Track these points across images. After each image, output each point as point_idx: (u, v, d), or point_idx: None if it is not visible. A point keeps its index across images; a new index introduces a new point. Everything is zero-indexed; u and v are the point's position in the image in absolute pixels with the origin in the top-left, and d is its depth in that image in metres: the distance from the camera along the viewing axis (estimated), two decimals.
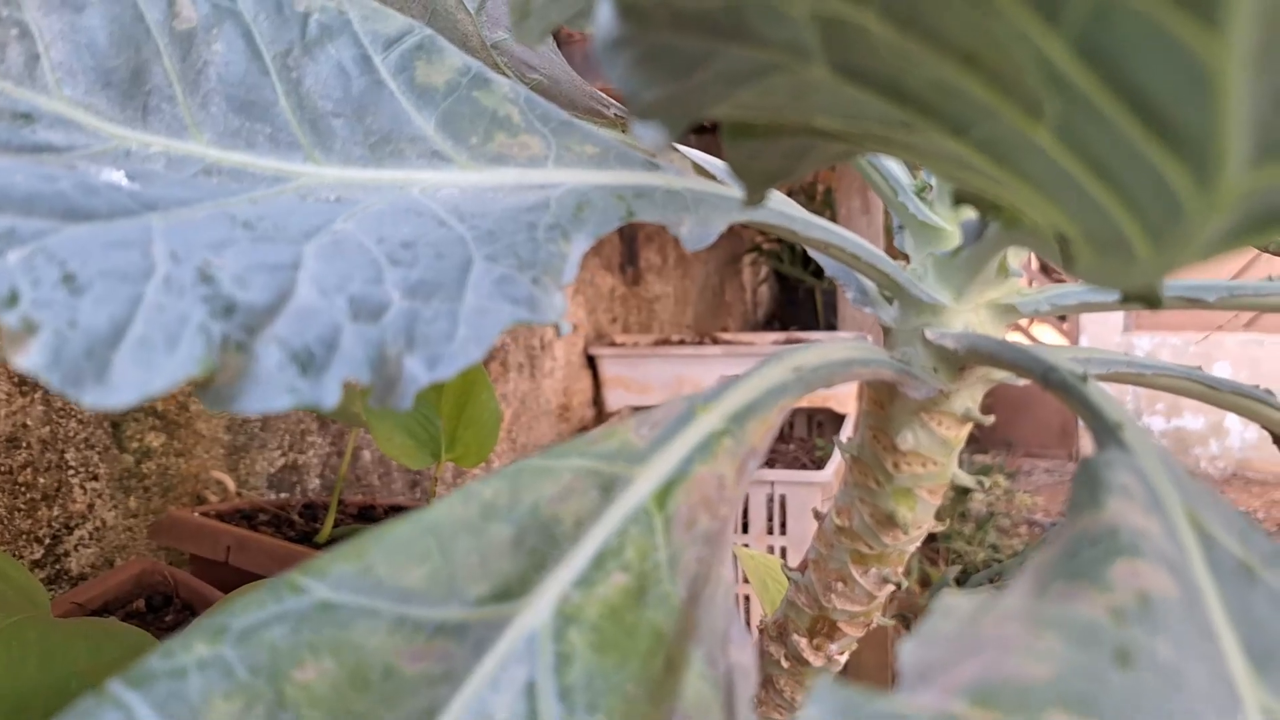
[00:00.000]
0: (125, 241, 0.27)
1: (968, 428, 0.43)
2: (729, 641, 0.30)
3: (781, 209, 0.38)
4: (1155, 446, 0.29)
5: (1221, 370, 4.40)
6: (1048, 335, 5.09)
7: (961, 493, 3.06)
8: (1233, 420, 4.52)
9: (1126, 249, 0.20)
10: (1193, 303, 0.40)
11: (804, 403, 2.35)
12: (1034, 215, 0.24)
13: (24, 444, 1.00)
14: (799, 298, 4.06)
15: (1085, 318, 4.92)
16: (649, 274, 2.75)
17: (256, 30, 0.33)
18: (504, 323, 0.29)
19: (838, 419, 2.28)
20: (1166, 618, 0.22)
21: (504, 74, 0.45)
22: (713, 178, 0.42)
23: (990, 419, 0.42)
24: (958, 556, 3.05)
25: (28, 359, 0.22)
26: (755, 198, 0.26)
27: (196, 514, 1.11)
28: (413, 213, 0.32)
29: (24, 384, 1.01)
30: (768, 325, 4.30)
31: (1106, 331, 4.83)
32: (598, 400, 2.31)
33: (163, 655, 0.24)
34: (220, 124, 0.33)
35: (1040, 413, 4.97)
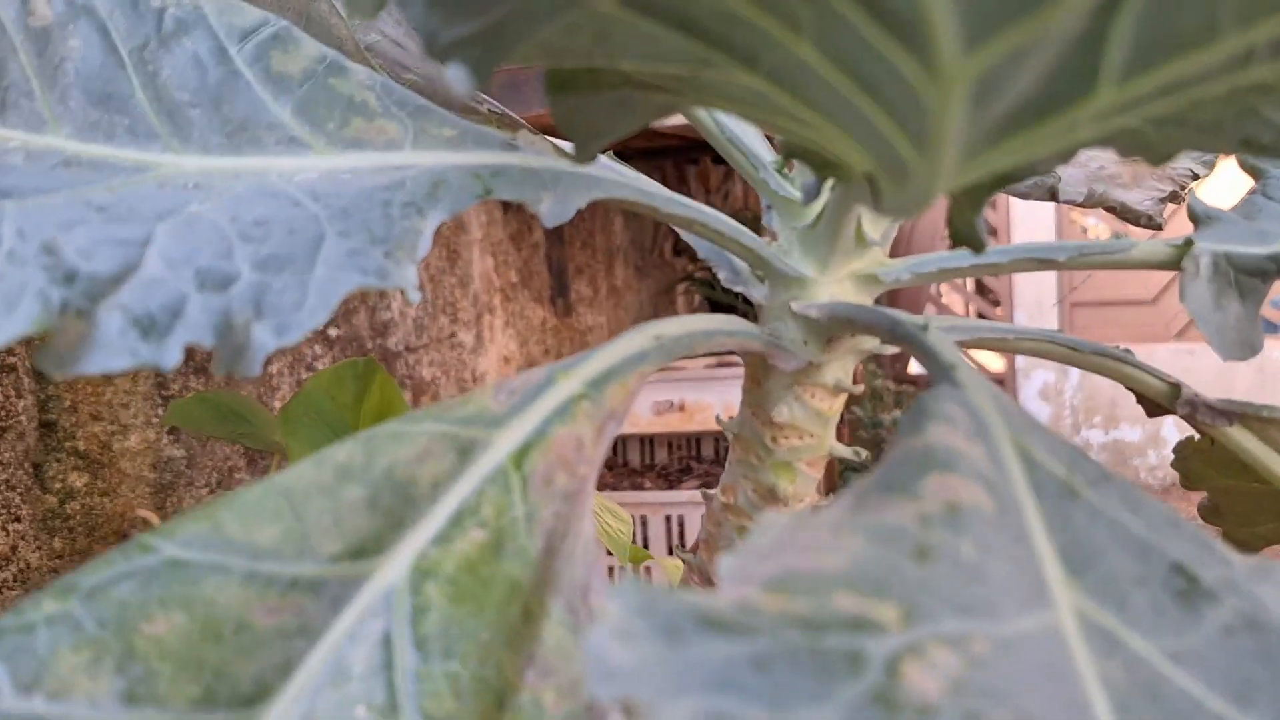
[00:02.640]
0: None
1: (842, 399, 0.44)
2: (589, 591, 0.31)
3: (643, 186, 0.39)
4: (987, 384, 0.31)
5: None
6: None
7: None
8: (1170, 430, 4.60)
9: (901, 163, 0.21)
10: (1044, 264, 0.42)
11: None
12: (838, 151, 0.25)
13: None
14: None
15: (1019, 317, 5.00)
16: (580, 305, 2.76)
17: (112, 26, 0.34)
18: (350, 287, 0.29)
19: None
20: (975, 524, 0.24)
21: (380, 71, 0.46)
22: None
23: (859, 388, 0.44)
24: None
25: None
26: (585, 155, 0.28)
27: None
28: (269, 195, 0.33)
29: None
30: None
31: (1040, 323, 4.93)
32: None
33: (13, 613, 0.24)
34: (79, 117, 0.34)
35: None
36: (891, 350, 0.43)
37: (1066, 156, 0.22)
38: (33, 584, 1.08)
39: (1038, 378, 4.84)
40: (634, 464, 2.58)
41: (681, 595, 0.19)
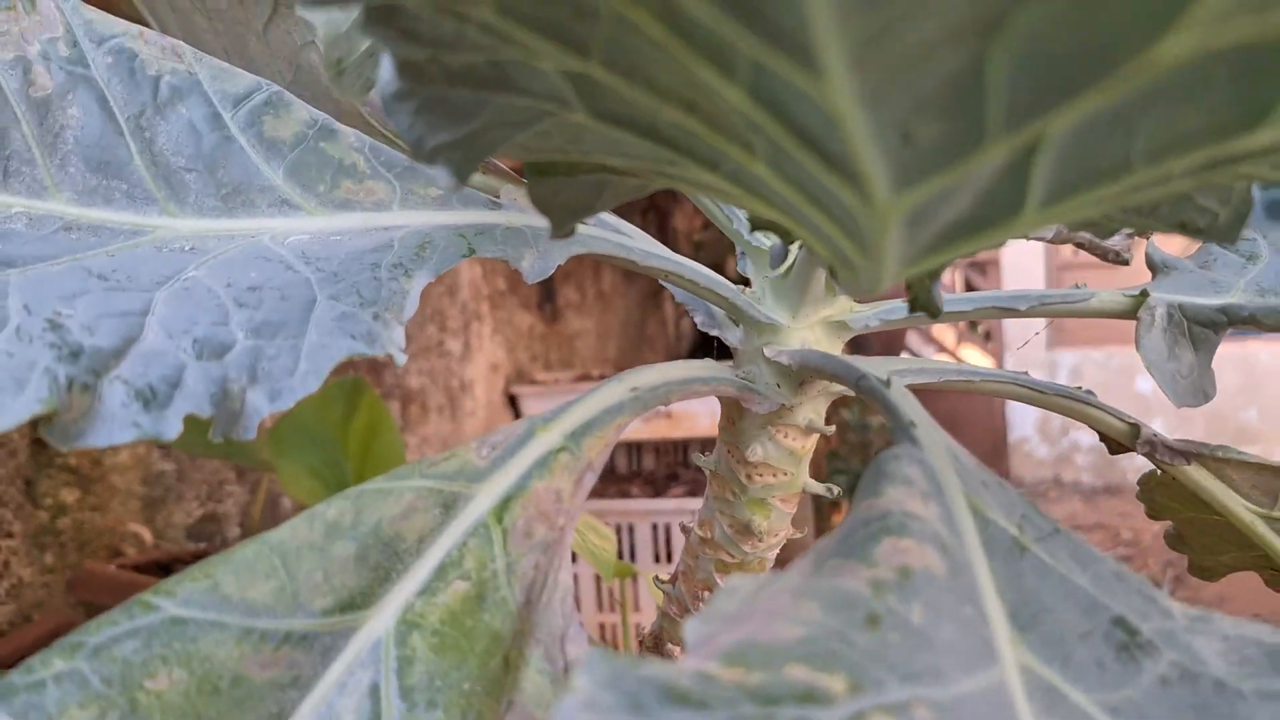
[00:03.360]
0: None
1: (814, 439, 0.46)
2: (567, 640, 0.32)
3: (622, 240, 0.41)
4: (945, 442, 0.32)
5: (1143, 383, 4.53)
6: (974, 355, 5.22)
7: None
8: (1158, 430, 4.62)
9: (848, 259, 0.23)
10: (1006, 311, 0.44)
11: None
12: (798, 234, 0.27)
13: None
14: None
15: (1009, 337, 5.04)
16: (568, 311, 2.78)
17: (110, 94, 0.36)
18: (340, 356, 0.31)
19: None
20: (926, 588, 0.25)
21: (370, 123, 0.48)
22: None
23: (831, 429, 0.45)
24: None
25: None
26: (562, 231, 0.29)
27: (113, 567, 1.10)
28: (262, 258, 0.34)
29: None
30: (691, 356, 4.35)
31: (1029, 348, 4.96)
32: None
33: (23, 671, 0.25)
34: (79, 183, 0.35)
35: (970, 433, 5.06)
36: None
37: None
38: (25, 599, 1.09)
39: None
40: (621, 471, 2.60)
41: (647, 668, 0.21)
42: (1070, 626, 0.28)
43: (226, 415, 0.29)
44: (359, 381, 0.95)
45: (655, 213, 3.70)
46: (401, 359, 0.32)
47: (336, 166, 0.37)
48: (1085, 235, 0.61)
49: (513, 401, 2.28)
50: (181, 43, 0.38)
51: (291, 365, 0.31)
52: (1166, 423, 4.55)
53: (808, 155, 0.19)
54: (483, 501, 0.32)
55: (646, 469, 2.64)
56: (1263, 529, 0.48)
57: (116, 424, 0.27)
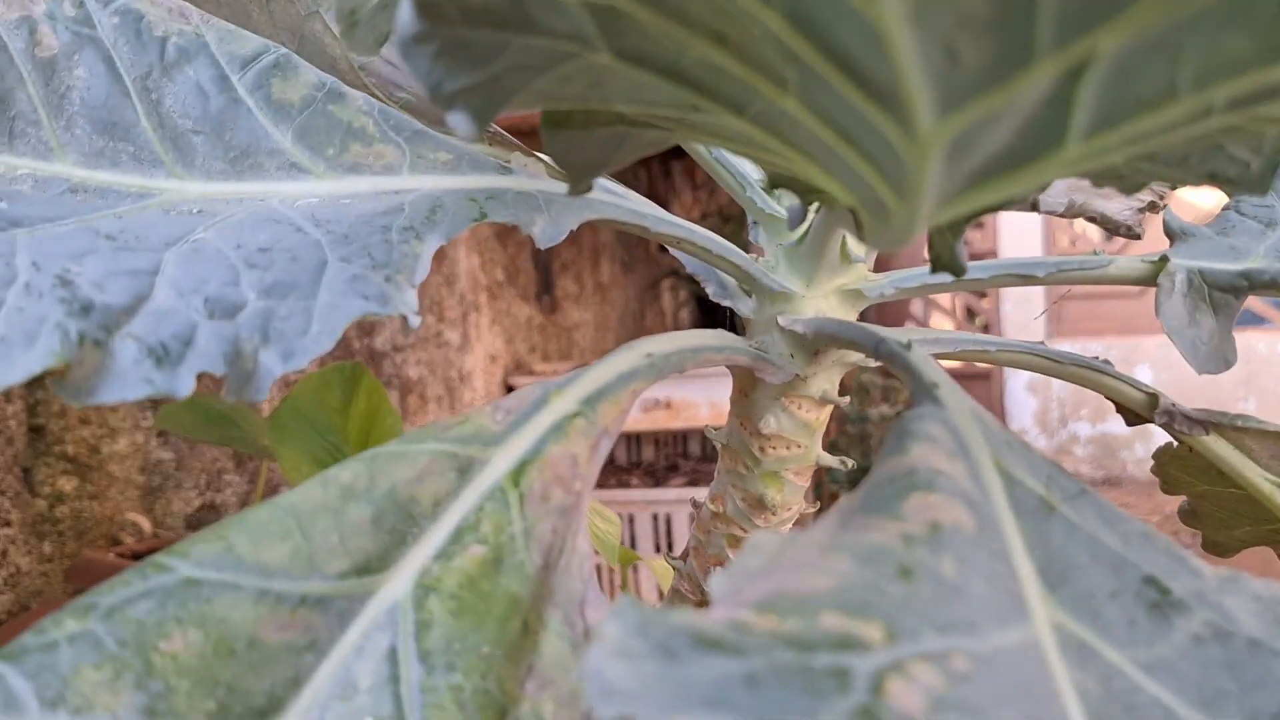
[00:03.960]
0: None
1: (828, 410, 0.46)
2: (586, 604, 0.32)
3: (634, 206, 0.40)
4: (968, 403, 0.32)
5: (1142, 373, 4.54)
6: None
7: None
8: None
9: (882, 205, 0.23)
10: (1025, 279, 0.43)
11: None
12: (823, 186, 0.26)
13: None
14: (720, 319, 4.11)
15: (1006, 325, 5.05)
16: (566, 302, 2.77)
17: (116, 55, 0.35)
18: (354, 315, 0.30)
19: None
20: (956, 542, 0.25)
21: (374, 94, 0.47)
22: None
23: (845, 400, 0.45)
24: None
25: None
26: (579, 187, 0.29)
27: (112, 556, 1.10)
28: (271, 220, 0.34)
29: None
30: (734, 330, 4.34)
31: (1026, 338, 4.97)
32: None
33: (36, 632, 0.25)
34: (85, 145, 0.35)
35: None
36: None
37: (1042, 190, 0.23)
38: (23, 588, 1.08)
39: (1025, 372, 4.86)
40: (621, 462, 2.60)
41: (677, 615, 0.20)
42: (1100, 585, 0.27)
43: (239, 375, 0.29)
44: (358, 367, 0.94)
45: (653, 200, 3.69)
46: (416, 321, 0.32)
47: (345, 130, 0.37)
48: (1097, 209, 0.61)
49: (511, 392, 2.27)
50: (189, 4, 0.37)
51: (304, 326, 0.30)
52: None
53: (846, 82, 0.18)
54: (499, 465, 0.32)
55: (646, 460, 2.63)
56: None
57: (129, 381, 0.26)
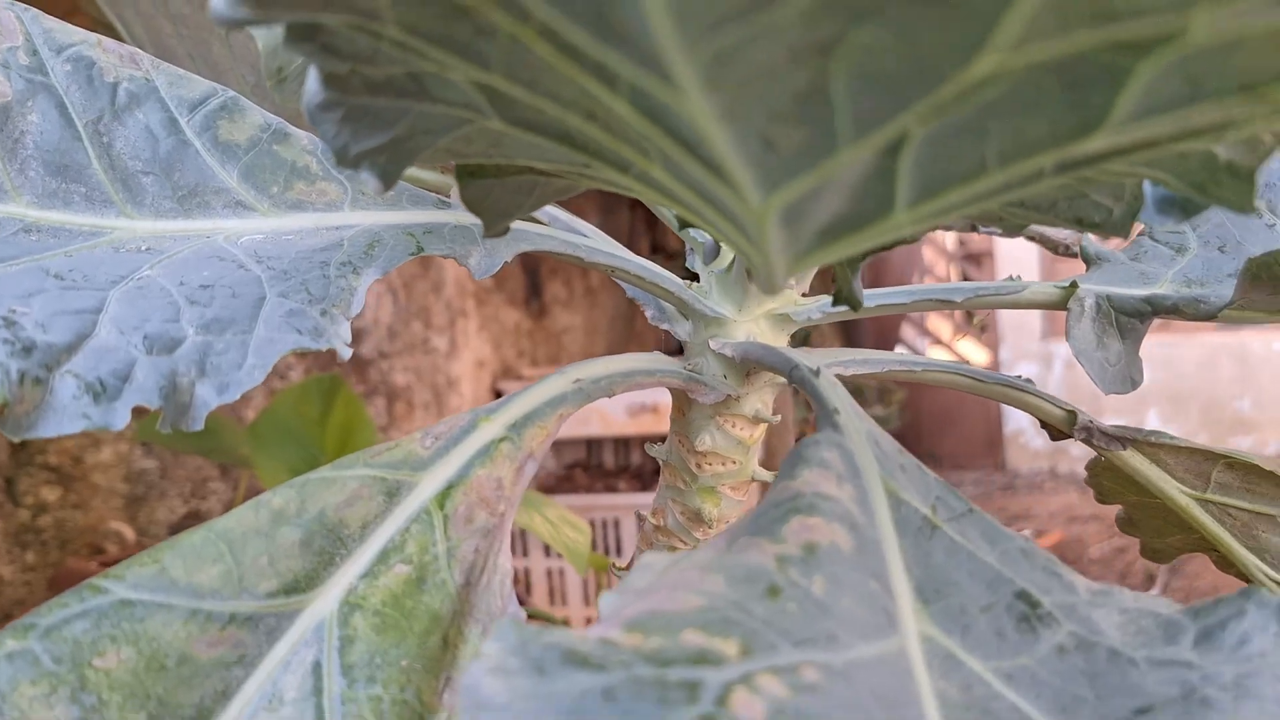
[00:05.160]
0: None
1: (762, 428, 0.48)
2: (504, 619, 0.34)
3: (566, 237, 0.42)
4: (866, 427, 0.34)
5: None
6: (970, 348, 5.26)
7: None
8: (1153, 422, 4.66)
9: (746, 254, 0.25)
10: (943, 304, 0.45)
11: None
12: (710, 231, 0.28)
13: None
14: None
15: (1005, 329, 5.07)
16: (555, 306, 2.79)
17: (69, 100, 0.37)
18: (287, 349, 0.32)
19: None
20: (830, 562, 0.27)
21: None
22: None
23: (777, 418, 0.47)
24: None
25: None
26: (494, 230, 0.31)
27: (95, 565, 1.12)
28: (215, 258, 0.36)
29: None
30: (680, 352, 4.37)
31: (1024, 339, 5.00)
32: None
33: None
34: (39, 186, 0.37)
35: (966, 425, 5.09)
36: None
37: (890, 246, 0.26)
38: (6, 597, 1.10)
39: (1020, 371, 4.86)
40: (608, 466, 2.62)
41: (554, 635, 0.22)
42: (974, 599, 0.29)
43: (175, 407, 0.31)
44: (335, 379, 0.96)
45: (641, 223, 3.70)
46: (346, 353, 0.34)
47: (289, 168, 0.39)
48: (1037, 229, 0.63)
49: (499, 397, 2.29)
50: (139, 50, 0.39)
51: (240, 360, 0.32)
52: (1162, 412, 4.58)
53: (689, 160, 0.20)
54: (426, 489, 0.34)
55: (634, 464, 2.65)
56: (1197, 511, 0.49)
57: (66, 415, 0.28)
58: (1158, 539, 0.60)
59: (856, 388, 4.17)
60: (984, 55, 0.16)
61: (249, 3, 0.20)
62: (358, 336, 1.78)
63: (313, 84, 0.24)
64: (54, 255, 0.35)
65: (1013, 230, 0.30)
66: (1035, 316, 4.88)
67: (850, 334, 4.59)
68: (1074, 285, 0.43)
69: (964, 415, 5.10)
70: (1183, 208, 0.28)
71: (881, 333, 5.16)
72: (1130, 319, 0.42)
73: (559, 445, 2.47)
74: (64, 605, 0.28)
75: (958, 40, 0.16)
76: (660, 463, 0.50)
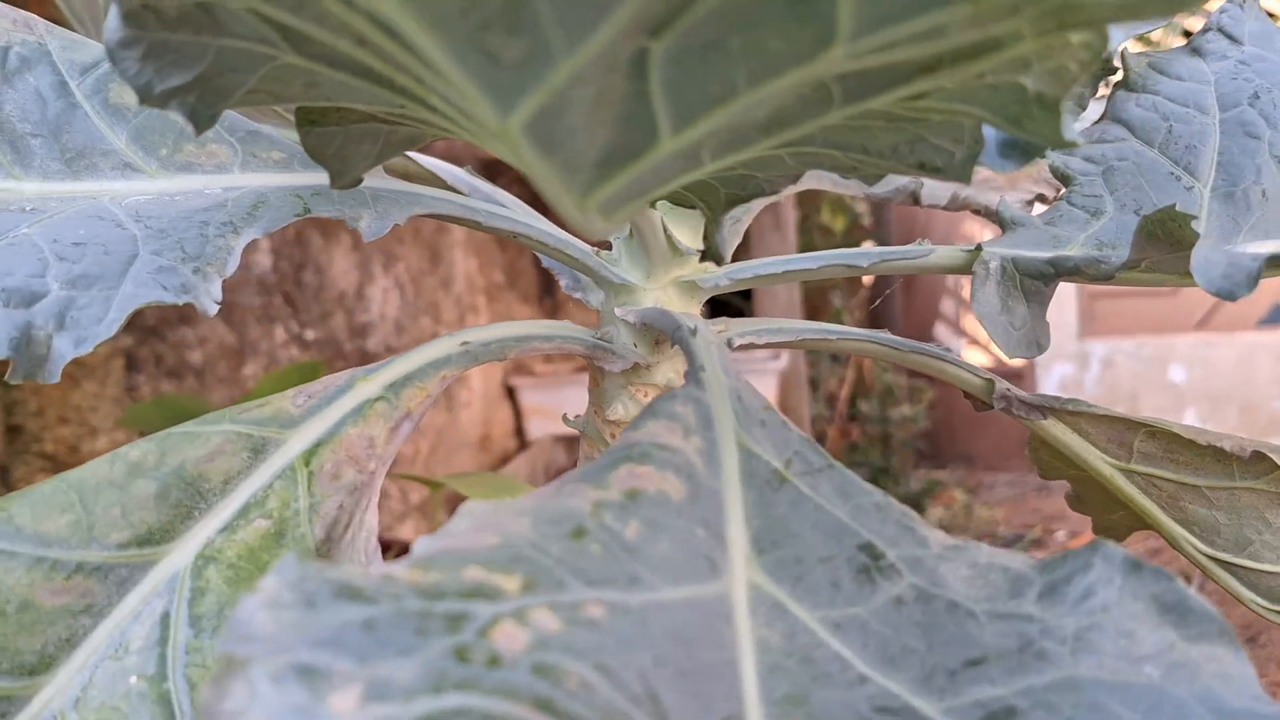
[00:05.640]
0: None
1: None
2: None
3: (465, 202, 0.42)
4: (731, 385, 0.33)
5: (1175, 373, 4.50)
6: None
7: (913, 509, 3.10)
8: (1191, 422, 4.57)
9: (547, 196, 0.24)
10: (851, 269, 0.45)
11: None
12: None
13: None
14: (730, 315, 4.11)
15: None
16: (569, 303, 2.79)
17: None
18: (145, 301, 0.32)
19: None
20: (651, 509, 0.27)
21: None
22: (432, 180, 0.47)
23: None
24: None
25: None
26: (342, 182, 0.31)
27: None
28: (95, 218, 0.36)
29: None
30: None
31: (1061, 338, 4.95)
32: (520, 430, 2.35)
33: None
34: None
35: (1000, 426, 5.03)
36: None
37: (668, 182, 0.25)
38: None
39: (1057, 371, 4.81)
40: None
41: (334, 571, 0.22)
42: (814, 550, 0.29)
43: (30, 359, 0.31)
44: (316, 366, 0.97)
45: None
46: (212, 309, 0.34)
47: (179, 131, 0.39)
48: (981, 202, 0.62)
49: (511, 393, 2.30)
50: (35, 17, 0.40)
51: (102, 314, 0.33)
52: (1200, 411, 4.51)
53: (438, 80, 0.20)
54: (293, 446, 0.34)
55: None
56: (1122, 482, 0.48)
57: None
58: (1106, 516, 0.59)
59: (886, 387, 4.12)
60: None
61: None
62: (363, 331, 1.79)
63: (112, 19, 0.24)
64: None
65: (870, 179, 0.30)
66: (1072, 316, 4.82)
67: (878, 318, 4.55)
68: (979, 249, 0.42)
69: (998, 415, 5.03)
70: (1023, 150, 0.28)
71: (919, 328, 5.12)
72: (1035, 281, 0.41)
73: (573, 441, 2.47)
74: None
75: None
76: (580, 434, 0.50)
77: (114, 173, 0.38)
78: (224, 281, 0.35)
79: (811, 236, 3.78)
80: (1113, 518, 0.58)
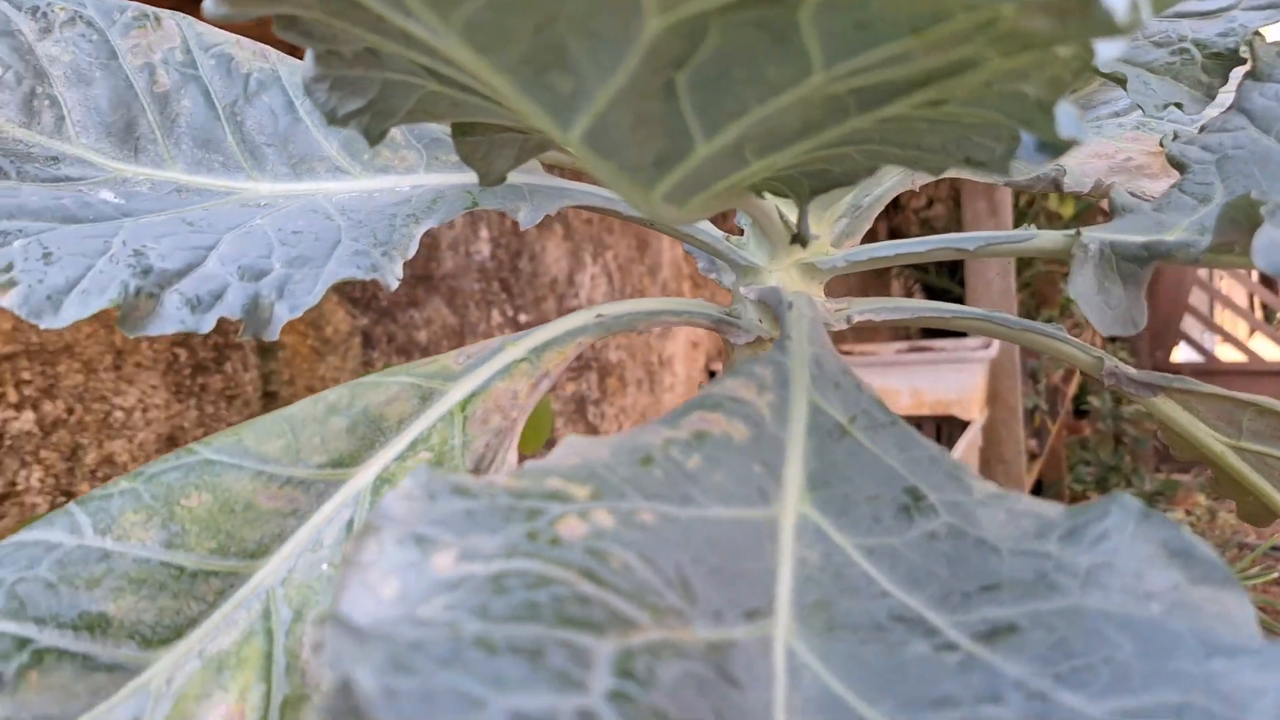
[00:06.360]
0: (96, 235, 0.41)
1: None
2: None
3: (598, 192, 0.49)
4: (812, 353, 0.39)
5: None
6: (1270, 346, 4.92)
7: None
8: None
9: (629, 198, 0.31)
10: (959, 251, 0.49)
11: (926, 411, 2.38)
12: None
13: None
14: (940, 293, 4.04)
15: None
16: None
17: (212, 89, 0.47)
18: (341, 278, 0.41)
19: (962, 426, 2.31)
20: (716, 448, 0.32)
21: None
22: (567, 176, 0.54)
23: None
24: None
25: (6, 300, 0.36)
26: (489, 180, 0.38)
27: None
28: (311, 211, 0.45)
29: None
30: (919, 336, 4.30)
31: None
32: None
33: (102, 489, 0.37)
34: (189, 156, 0.47)
35: None
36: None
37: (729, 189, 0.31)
38: None
39: None
40: None
41: (454, 477, 0.29)
42: (862, 490, 0.34)
43: (256, 320, 0.40)
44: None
45: None
46: (393, 284, 0.42)
47: None
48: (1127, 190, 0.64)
49: (712, 376, 2.37)
50: (268, 47, 0.49)
51: (311, 287, 0.41)
52: None
53: (518, 102, 0.27)
54: (453, 396, 0.42)
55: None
56: (1234, 459, 0.50)
57: (168, 320, 0.38)
58: (1242, 499, 0.60)
59: (1032, 371, 3.85)
60: (649, 18, 0.22)
61: (225, 2, 0.28)
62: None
63: (307, 60, 0.32)
64: (193, 209, 0.45)
65: (933, 170, 0.35)
66: None
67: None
68: (1078, 233, 0.45)
69: None
70: (1053, 147, 0.32)
71: (1164, 321, 4.87)
72: (1130, 264, 0.44)
73: None
74: (165, 461, 0.38)
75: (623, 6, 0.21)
76: None
77: (328, 175, 0.47)
78: (449, 268, 0.43)
79: (1038, 220, 3.67)
80: (1247, 501, 0.59)
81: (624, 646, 0.24)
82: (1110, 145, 0.64)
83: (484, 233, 1.63)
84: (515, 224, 1.74)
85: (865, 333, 3.65)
